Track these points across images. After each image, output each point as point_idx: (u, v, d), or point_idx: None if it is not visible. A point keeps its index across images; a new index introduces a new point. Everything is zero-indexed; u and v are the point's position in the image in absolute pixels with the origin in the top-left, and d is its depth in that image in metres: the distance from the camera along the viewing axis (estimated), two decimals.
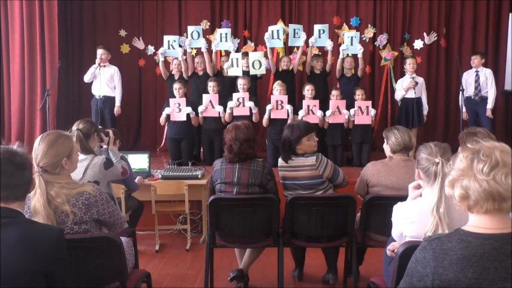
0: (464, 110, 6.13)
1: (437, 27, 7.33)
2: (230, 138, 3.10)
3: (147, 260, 3.97)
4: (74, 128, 3.15)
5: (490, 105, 6.26)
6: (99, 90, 6.17)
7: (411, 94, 6.18)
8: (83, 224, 2.19)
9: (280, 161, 3.30)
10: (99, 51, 6.17)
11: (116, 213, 2.32)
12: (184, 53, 6.09)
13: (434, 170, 2.04)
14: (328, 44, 5.99)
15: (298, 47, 6.34)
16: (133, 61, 7.46)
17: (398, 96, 6.36)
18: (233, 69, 5.87)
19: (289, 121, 5.55)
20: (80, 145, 3.07)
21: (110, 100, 6.23)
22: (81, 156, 3.04)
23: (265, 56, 6.28)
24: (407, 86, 6.13)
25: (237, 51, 6.49)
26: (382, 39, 7.35)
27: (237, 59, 5.84)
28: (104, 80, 6.16)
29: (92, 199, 2.19)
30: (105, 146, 3.77)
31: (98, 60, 6.13)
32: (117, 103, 6.26)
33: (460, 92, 5.94)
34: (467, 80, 6.38)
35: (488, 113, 6.27)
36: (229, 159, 3.13)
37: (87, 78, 6.22)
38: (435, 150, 2.11)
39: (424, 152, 2.15)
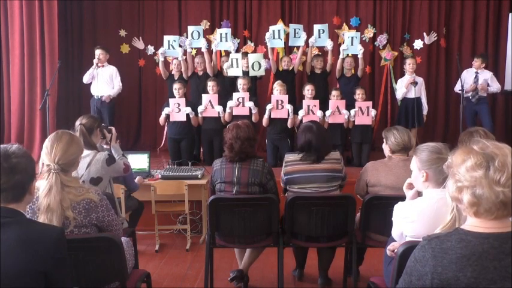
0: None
1: (437, 27, 7.32)
2: (231, 137, 3.10)
3: (147, 260, 3.97)
4: (77, 123, 3.16)
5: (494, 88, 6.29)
6: (97, 90, 6.17)
7: (411, 94, 6.18)
8: (83, 228, 2.19)
9: (295, 155, 3.27)
10: (97, 52, 6.18)
11: (114, 223, 2.31)
12: (184, 53, 6.09)
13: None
14: (328, 44, 5.99)
15: (298, 47, 6.34)
16: (133, 61, 7.45)
17: (399, 95, 6.32)
18: (233, 69, 5.88)
19: (289, 121, 5.56)
20: (83, 140, 3.07)
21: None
22: (84, 152, 3.03)
23: (266, 56, 6.29)
24: (408, 82, 6.11)
25: (237, 51, 6.49)
26: (382, 39, 7.35)
27: (236, 59, 5.84)
28: (103, 80, 6.17)
29: (92, 204, 2.19)
30: (106, 146, 3.77)
31: (95, 61, 6.14)
32: (111, 93, 6.19)
33: (460, 92, 5.94)
34: (466, 78, 6.35)
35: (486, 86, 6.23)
36: (229, 158, 3.12)
37: (86, 79, 6.23)
38: (444, 148, 2.09)
39: (432, 151, 2.12)
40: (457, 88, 6.40)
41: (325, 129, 3.38)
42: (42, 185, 2.11)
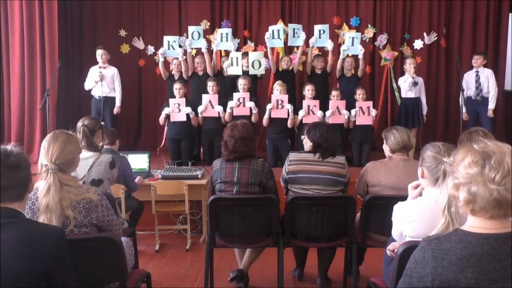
0: (464, 110, 6.12)
1: (437, 27, 7.32)
2: (226, 136, 3.12)
3: (147, 260, 3.97)
4: (79, 124, 3.15)
5: (491, 105, 6.25)
6: (99, 90, 6.18)
7: (411, 94, 6.18)
8: (83, 227, 2.19)
9: (303, 155, 3.24)
10: (100, 52, 6.20)
11: (114, 222, 2.31)
12: (184, 53, 6.09)
13: (444, 169, 2.02)
14: (329, 45, 6.00)
15: (298, 47, 6.34)
16: (133, 61, 7.46)
17: (405, 88, 6.23)
18: (233, 68, 5.87)
19: (289, 121, 5.56)
20: (86, 141, 3.07)
21: (110, 100, 6.25)
22: (86, 154, 3.03)
23: (265, 56, 6.28)
24: (409, 84, 6.07)
25: (237, 51, 6.49)
26: (382, 39, 7.35)
27: (236, 58, 5.84)
28: (105, 81, 6.18)
29: (92, 203, 2.19)
30: (106, 147, 3.78)
31: (101, 62, 6.17)
32: (118, 103, 6.31)
33: (460, 92, 5.94)
34: (468, 80, 6.38)
35: (490, 113, 6.25)
36: (225, 156, 3.14)
37: (89, 85, 6.24)
38: (443, 150, 2.10)
39: (432, 150, 2.13)
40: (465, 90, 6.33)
41: (333, 130, 3.40)
42: (41, 185, 2.11)
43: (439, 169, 1.99)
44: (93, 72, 6.23)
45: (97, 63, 6.29)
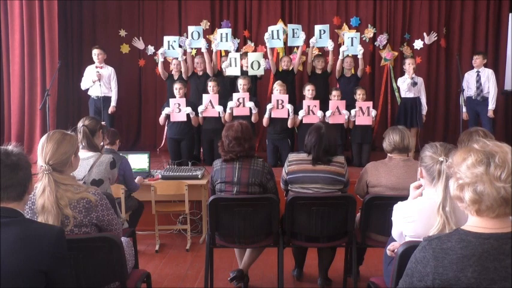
0: (464, 110, 6.12)
1: (437, 27, 7.33)
2: (222, 136, 3.16)
3: (147, 260, 3.97)
4: (80, 124, 3.15)
5: (491, 105, 6.25)
6: (97, 90, 6.17)
7: (410, 94, 6.18)
8: (83, 227, 2.19)
9: (302, 155, 3.24)
10: (96, 51, 6.19)
11: (114, 222, 2.31)
12: (184, 53, 6.09)
13: (438, 169, 2.02)
14: (329, 45, 6.00)
15: (298, 47, 6.34)
16: (133, 61, 7.46)
17: (404, 88, 6.24)
18: (231, 68, 5.87)
19: (289, 121, 5.56)
20: (86, 141, 3.07)
21: (107, 100, 6.24)
22: (87, 154, 3.03)
23: (265, 56, 6.28)
24: (408, 84, 6.08)
25: (237, 51, 6.49)
26: (382, 39, 7.35)
27: (235, 58, 5.83)
28: (102, 81, 6.17)
29: (92, 203, 2.18)
30: (107, 147, 3.78)
31: (97, 61, 6.16)
32: (113, 103, 6.29)
33: (460, 92, 5.94)
34: (469, 80, 6.38)
35: (490, 114, 6.25)
36: (222, 156, 3.16)
37: (86, 85, 6.22)
38: (440, 150, 2.10)
39: (429, 150, 2.14)
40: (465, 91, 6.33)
41: (334, 131, 3.30)
42: (38, 186, 2.11)
43: (435, 169, 2.00)
44: (90, 72, 6.22)
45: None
